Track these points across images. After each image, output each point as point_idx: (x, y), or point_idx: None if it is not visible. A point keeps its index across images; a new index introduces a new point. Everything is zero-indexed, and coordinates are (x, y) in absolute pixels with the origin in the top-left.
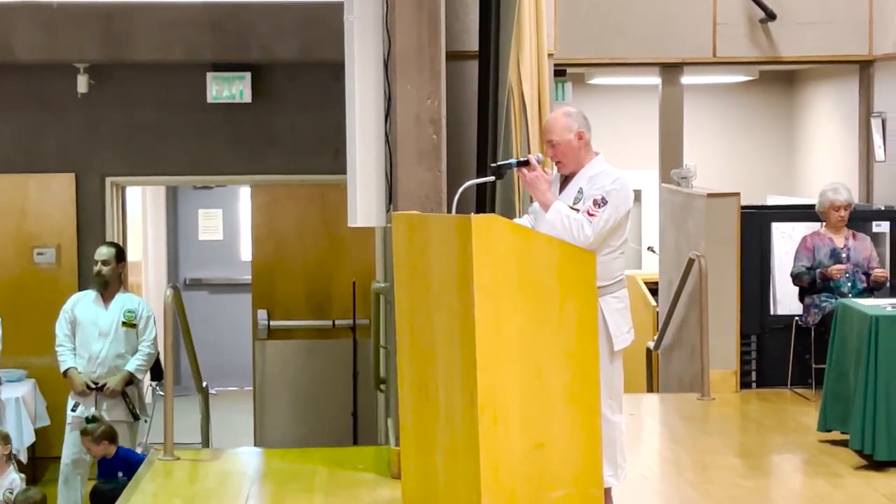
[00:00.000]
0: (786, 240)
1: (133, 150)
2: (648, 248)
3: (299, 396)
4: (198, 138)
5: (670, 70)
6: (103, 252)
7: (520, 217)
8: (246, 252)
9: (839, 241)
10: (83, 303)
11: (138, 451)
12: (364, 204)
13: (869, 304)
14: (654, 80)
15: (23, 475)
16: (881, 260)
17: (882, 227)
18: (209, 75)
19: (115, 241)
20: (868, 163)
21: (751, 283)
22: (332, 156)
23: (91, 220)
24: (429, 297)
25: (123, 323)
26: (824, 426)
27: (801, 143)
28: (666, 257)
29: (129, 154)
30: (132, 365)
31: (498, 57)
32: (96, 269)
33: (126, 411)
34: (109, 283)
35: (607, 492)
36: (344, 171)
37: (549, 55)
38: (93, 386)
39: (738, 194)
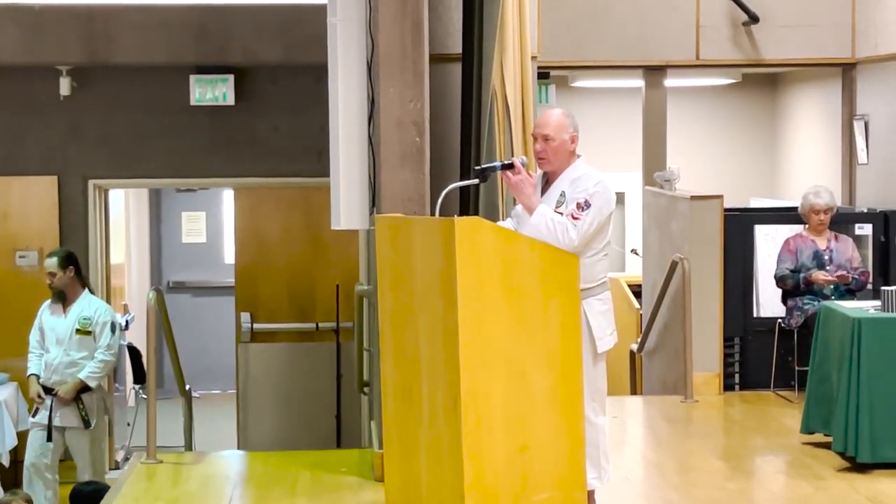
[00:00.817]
0: (769, 242)
1: (116, 152)
2: (632, 251)
3: (283, 399)
4: (181, 141)
5: (654, 73)
6: (47, 263)
7: (503, 220)
8: (229, 255)
9: (822, 244)
10: (47, 310)
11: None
12: (347, 206)
13: (852, 306)
14: (638, 82)
15: None
16: (864, 261)
17: (865, 229)
18: (192, 78)
19: (99, 243)
20: (851, 165)
21: (734, 285)
22: (316, 158)
23: (74, 223)
24: (412, 300)
25: (77, 330)
26: (807, 428)
27: (784, 146)
28: (649, 260)
29: (111, 156)
30: (84, 373)
31: (481, 59)
32: (48, 280)
33: (79, 418)
34: (64, 291)
35: (590, 494)
36: (327, 174)
37: (533, 58)
38: (42, 394)
39: (721, 197)
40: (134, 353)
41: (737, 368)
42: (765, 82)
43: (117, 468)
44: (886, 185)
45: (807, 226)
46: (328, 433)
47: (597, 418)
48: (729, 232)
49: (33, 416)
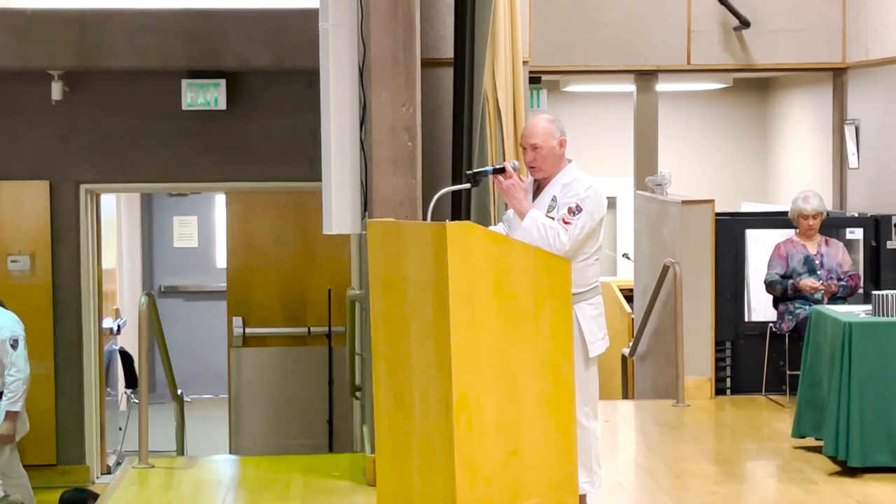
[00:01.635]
0: (760, 247)
1: (107, 157)
2: (623, 255)
3: (275, 404)
4: (172, 145)
5: (645, 77)
6: None
7: (495, 224)
8: (221, 259)
9: (812, 248)
10: None
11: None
12: (339, 211)
13: (843, 310)
14: (629, 87)
15: None
16: (854, 266)
17: (855, 233)
18: (184, 82)
19: (91, 248)
20: (841, 170)
21: (725, 289)
22: (308, 163)
23: (65, 228)
24: (404, 305)
25: None
26: (798, 432)
27: (775, 151)
28: (641, 264)
29: (103, 161)
30: (3, 405)
31: (473, 64)
32: None
33: None
34: None
35: (583, 499)
36: (319, 179)
37: (524, 62)
38: None
39: (712, 201)
40: (126, 357)
41: (728, 373)
42: (756, 87)
43: (109, 473)
44: (877, 189)
45: (797, 231)
46: (320, 437)
47: (589, 423)
48: (720, 236)
49: None
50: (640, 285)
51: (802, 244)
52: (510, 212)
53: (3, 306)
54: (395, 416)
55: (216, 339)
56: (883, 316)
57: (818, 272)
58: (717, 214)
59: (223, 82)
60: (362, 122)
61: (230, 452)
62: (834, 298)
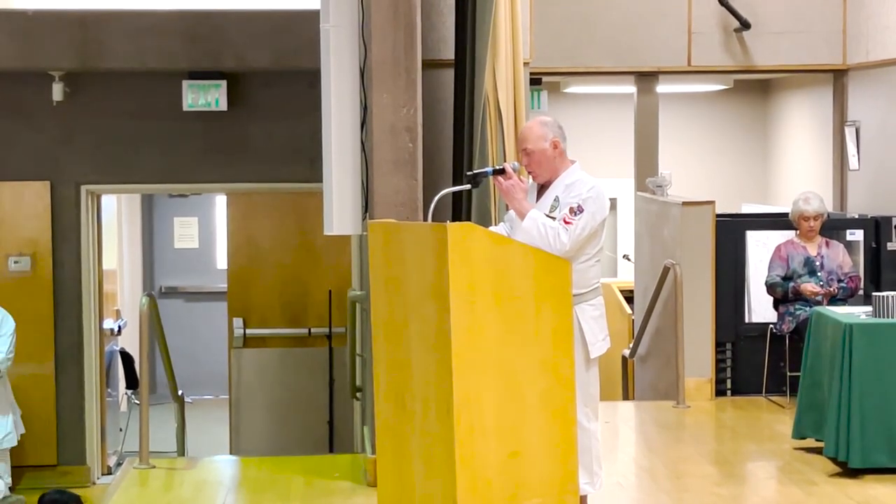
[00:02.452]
0: (760, 248)
1: (108, 158)
2: (624, 257)
3: (275, 405)
4: (173, 146)
5: (645, 79)
6: None
7: (495, 225)
8: (222, 260)
9: (813, 250)
10: None
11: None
12: (340, 212)
13: (843, 311)
14: (630, 88)
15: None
16: (855, 267)
17: (856, 235)
18: (185, 83)
19: (91, 249)
20: (842, 171)
21: (726, 291)
22: (308, 164)
23: (66, 229)
24: (405, 306)
25: None
26: (799, 434)
27: (775, 152)
28: (641, 265)
29: (104, 162)
30: None
31: (474, 66)
32: None
33: None
34: None
35: (583, 500)
36: (320, 180)
37: (525, 64)
38: None
39: (713, 203)
40: (126, 358)
41: (728, 374)
42: (756, 88)
43: (110, 473)
44: (877, 191)
45: (798, 232)
46: (320, 438)
47: (589, 424)
48: (721, 238)
49: None
50: (641, 286)
51: (803, 245)
52: (512, 212)
53: None
54: (396, 417)
55: (217, 340)
56: (883, 317)
57: (818, 273)
58: (718, 216)
59: (224, 83)
60: (363, 123)
61: (231, 453)
62: (834, 300)
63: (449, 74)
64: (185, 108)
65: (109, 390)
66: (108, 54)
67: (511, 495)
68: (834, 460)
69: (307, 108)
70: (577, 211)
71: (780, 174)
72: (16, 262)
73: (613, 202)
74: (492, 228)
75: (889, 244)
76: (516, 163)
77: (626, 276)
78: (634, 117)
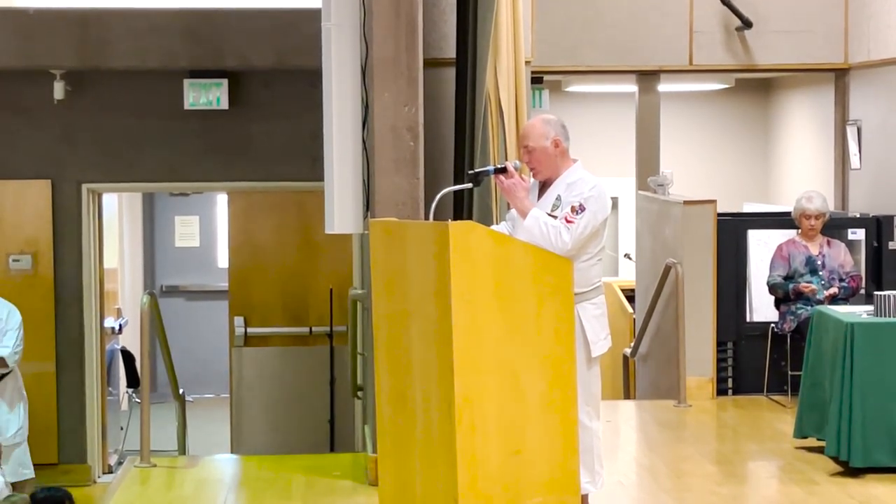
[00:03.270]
0: (762, 247)
1: (109, 156)
2: (625, 256)
3: (276, 403)
4: (174, 145)
5: (647, 78)
6: None
7: (497, 224)
8: (223, 259)
9: (814, 249)
10: None
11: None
12: (341, 211)
13: (844, 311)
14: (631, 87)
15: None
16: (856, 266)
17: (857, 234)
18: (186, 82)
19: (92, 247)
20: (843, 170)
21: (727, 290)
22: (310, 163)
23: (67, 227)
24: (406, 304)
25: None
26: (800, 433)
27: (777, 151)
28: (642, 264)
29: (105, 161)
30: None
31: (475, 64)
32: None
33: None
34: None
35: (584, 499)
36: (321, 178)
37: (526, 63)
38: None
39: (714, 202)
40: (127, 357)
41: (730, 373)
42: (758, 87)
43: (111, 472)
44: (879, 190)
45: (799, 231)
46: (321, 437)
47: (591, 422)
48: (722, 237)
49: None
50: (642, 285)
51: (804, 245)
52: (513, 211)
53: None
54: (397, 416)
55: (218, 339)
56: (884, 316)
57: (820, 273)
58: (719, 215)
59: (225, 82)
60: (364, 122)
61: (232, 452)
62: (835, 299)
63: (450, 73)
64: (187, 106)
65: (110, 389)
66: (110, 53)
67: (512, 494)
68: (835, 459)
69: (308, 106)
70: (578, 210)
71: (782, 173)
72: (17, 261)
73: (615, 201)
74: (493, 227)
75: (890, 243)
76: (518, 161)
77: (628, 275)
78: (636, 116)
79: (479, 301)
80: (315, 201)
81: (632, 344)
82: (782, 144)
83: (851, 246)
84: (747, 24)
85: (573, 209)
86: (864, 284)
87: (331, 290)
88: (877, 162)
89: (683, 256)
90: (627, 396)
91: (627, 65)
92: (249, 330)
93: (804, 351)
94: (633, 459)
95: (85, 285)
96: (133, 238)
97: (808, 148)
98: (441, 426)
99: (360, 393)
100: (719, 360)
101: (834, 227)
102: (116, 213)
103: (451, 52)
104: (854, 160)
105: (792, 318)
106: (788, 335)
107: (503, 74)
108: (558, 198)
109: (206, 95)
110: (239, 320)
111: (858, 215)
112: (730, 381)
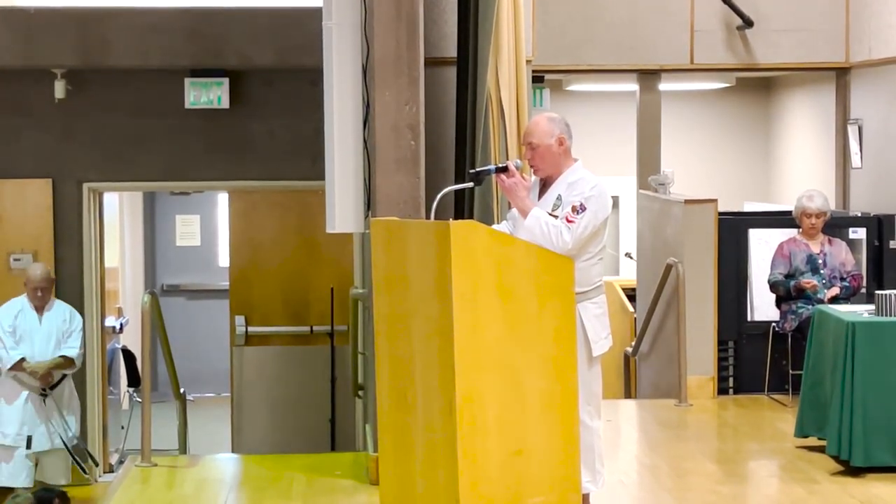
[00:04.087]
0: (763, 246)
1: (110, 155)
2: (626, 255)
3: (277, 403)
4: (175, 144)
5: (648, 77)
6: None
7: (498, 223)
8: (223, 258)
9: (815, 248)
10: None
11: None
12: (342, 210)
13: (846, 310)
14: (632, 86)
15: None
16: (857, 265)
17: (858, 233)
18: (187, 81)
19: (93, 246)
20: (844, 169)
21: (728, 289)
22: (311, 162)
23: (68, 226)
24: (407, 304)
25: None
26: (801, 432)
27: (778, 150)
28: (643, 263)
29: (106, 160)
30: None
31: (476, 63)
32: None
33: None
34: None
35: (585, 498)
36: (322, 177)
37: (527, 62)
38: None
39: (715, 201)
40: (128, 356)
41: (731, 372)
42: (759, 86)
43: (112, 471)
44: (880, 189)
45: (800, 230)
46: (322, 436)
47: (592, 422)
48: (723, 236)
49: None
50: (643, 284)
51: (805, 243)
52: (514, 210)
53: None
54: (398, 415)
55: (218, 338)
56: (886, 316)
57: (821, 272)
58: (720, 214)
59: (226, 81)
60: (365, 121)
61: (232, 451)
62: (836, 298)
63: (451, 72)
64: (188, 105)
65: (111, 388)
66: (111, 52)
67: (513, 493)
68: (836, 459)
69: (309, 105)
70: (579, 209)
71: (783, 172)
72: (17, 260)
73: (616, 200)
74: (494, 226)
75: (891, 242)
76: (519, 160)
77: (629, 274)
78: (637, 115)
79: (480, 300)
80: (316, 200)
81: (633, 343)
82: (783, 143)
83: (852, 245)
84: (748, 23)
85: (574, 209)
86: (864, 283)
87: (332, 289)
88: (878, 161)
89: (684, 255)
90: (628, 395)
91: (628, 64)
92: (250, 329)
93: (805, 350)
94: (634, 458)
95: (86, 284)
96: (134, 237)
97: (808, 147)
98: (442, 425)
99: (360, 392)
100: (720, 360)
101: (835, 225)
102: (117, 212)
103: (452, 51)
104: (855, 159)
105: (793, 317)
106: (789, 334)
107: (504, 73)
108: (559, 197)
109: (206, 94)
110: (240, 319)
111: (859, 214)
112: (731, 380)
